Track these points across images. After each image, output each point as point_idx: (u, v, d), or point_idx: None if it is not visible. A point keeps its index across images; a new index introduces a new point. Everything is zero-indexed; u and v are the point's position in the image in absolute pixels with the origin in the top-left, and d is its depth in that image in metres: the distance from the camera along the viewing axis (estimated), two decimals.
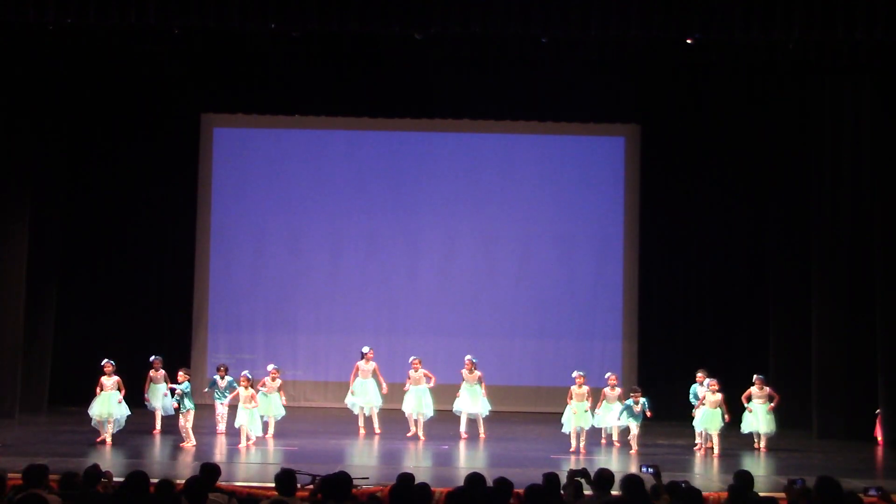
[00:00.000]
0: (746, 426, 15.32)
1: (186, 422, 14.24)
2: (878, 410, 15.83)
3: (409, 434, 15.40)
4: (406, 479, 7.51)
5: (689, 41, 14.14)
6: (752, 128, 18.48)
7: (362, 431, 15.65)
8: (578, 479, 7.52)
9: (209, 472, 7.59)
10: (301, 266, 19.40)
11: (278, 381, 15.32)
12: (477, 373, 15.50)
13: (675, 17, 13.41)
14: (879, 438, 15.70)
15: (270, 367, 15.50)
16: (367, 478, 9.71)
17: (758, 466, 13.63)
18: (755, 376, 15.47)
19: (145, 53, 16.87)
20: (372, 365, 15.86)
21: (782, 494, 7.99)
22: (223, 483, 9.97)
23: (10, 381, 16.17)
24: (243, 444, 14.11)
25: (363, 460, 13.43)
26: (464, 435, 15.28)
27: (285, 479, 7.44)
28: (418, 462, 12.80)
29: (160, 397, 15.29)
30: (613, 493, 7.49)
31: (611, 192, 19.46)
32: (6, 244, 16.36)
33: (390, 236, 19.43)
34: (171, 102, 18.89)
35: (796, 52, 14.96)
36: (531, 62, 17.08)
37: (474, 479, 7.29)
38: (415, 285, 19.40)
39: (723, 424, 14.83)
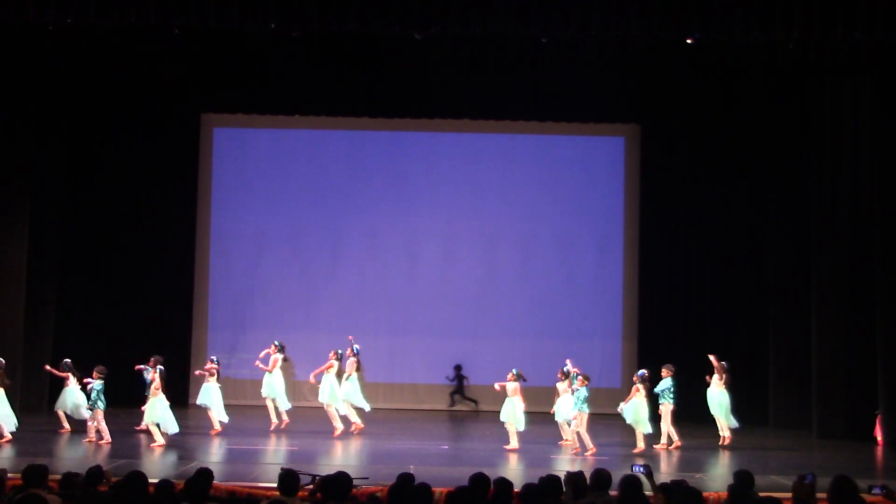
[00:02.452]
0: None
1: (95, 420, 14.14)
2: (878, 410, 15.82)
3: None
4: (406, 479, 7.50)
5: (689, 41, 14.15)
6: (751, 128, 18.48)
7: (276, 422, 15.73)
8: (576, 480, 7.52)
9: (204, 476, 7.54)
10: (301, 266, 19.42)
11: (210, 369, 15.42)
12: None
13: (675, 17, 13.42)
14: (879, 438, 15.70)
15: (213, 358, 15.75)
16: (367, 478, 9.70)
17: (757, 466, 13.58)
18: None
19: (145, 53, 16.88)
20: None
21: (784, 494, 7.97)
22: (222, 483, 10.01)
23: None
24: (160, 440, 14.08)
25: (363, 460, 13.42)
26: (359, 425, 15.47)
27: (287, 479, 7.44)
28: (418, 462, 12.79)
29: (73, 399, 15.19)
30: (612, 493, 7.48)
31: (611, 192, 19.47)
32: (6, 244, 16.37)
33: (390, 236, 19.44)
34: (171, 102, 18.92)
35: (796, 52, 14.96)
36: (531, 62, 17.09)
37: (479, 479, 7.31)
38: (415, 285, 19.41)
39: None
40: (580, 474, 7.62)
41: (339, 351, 15.80)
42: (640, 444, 14.42)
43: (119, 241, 18.77)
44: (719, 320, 18.68)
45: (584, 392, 14.14)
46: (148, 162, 18.84)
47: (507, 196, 19.47)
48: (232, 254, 19.43)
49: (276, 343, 16.11)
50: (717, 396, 15.19)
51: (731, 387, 15.45)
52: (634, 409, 14.53)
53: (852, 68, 16.06)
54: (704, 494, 7.77)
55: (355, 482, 7.79)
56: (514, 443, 14.14)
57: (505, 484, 7.36)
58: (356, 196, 19.44)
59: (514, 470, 12.41)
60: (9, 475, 7.99)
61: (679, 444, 14.75)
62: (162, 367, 14.56)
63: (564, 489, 7.50)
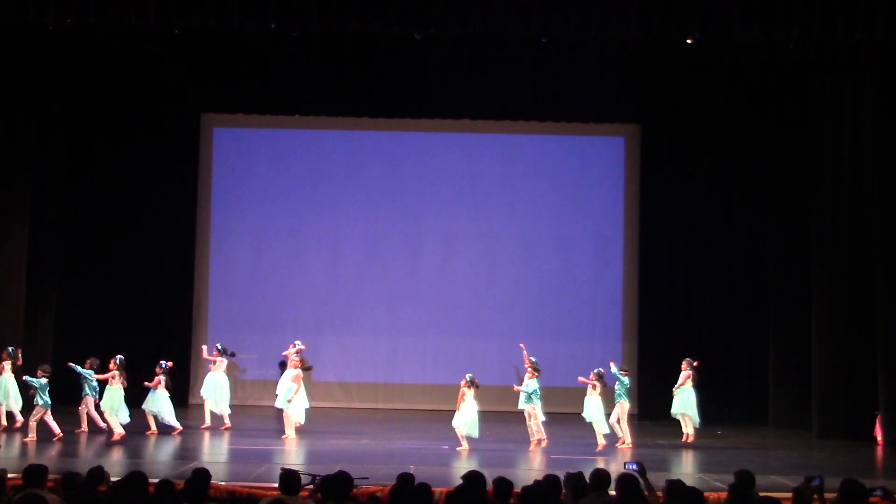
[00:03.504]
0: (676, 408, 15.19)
1: (35, 417, 14.17)
2: (878, 410, 15.81)
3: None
4: (406, 479, 7.50)
5: (689, 41, 14.14)
6: (752, 128, 18.49)
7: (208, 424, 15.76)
8: (575, 481, 7.52)
9: (201, 475, 7.53)
10: (301, 266, 19.42)
11: (157, 378, 15.26)
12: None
13: (675, 17, 13.42)
14: (879, 438, 15.70)
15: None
16: (367, 478, 9.69)
17: (757, 466, 13.58)
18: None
19: (145, 53, 16.88)
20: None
21: (784, 494, 7.98)
22: (222, 483, 10.01)
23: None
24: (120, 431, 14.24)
25: (363, 460, 13.41)
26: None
27: (288, 479, 7.45)
28: (418, 462, 12.80)
29: (4, 386, 15.16)
30: (611, 493, 7.48)
31: (611, 192, 19.47)
32: (6, 243, 16.37)
33: (390, 236, 19.44)
34: (171, 102, 18.92)
35: (796, 52, 14.96)
36: (531, 62, 17.09)
37: (473, 476, 7.31)
38: (415, 285, 19.41)
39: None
40: (580, 474, 7.62)
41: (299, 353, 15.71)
42: (602, 441, 14.31)
43: (119, 241, 18.77)
44: (719, 320, 18.69)
45: (533, 384, 14.21)
46: (148, 162, 18.83)
47: (508, 196, 19.46)
48: (232, 254, 19.43)
49: (219, 346, 16.20)
50: (686, 395, 15.07)
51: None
52: (591, 407, 14.46)
53: (852, 68, 16.06)
54: (704, 494, 7.76)
55: (355, 482, 7.78)
56: (464, 444, 14.05)
57: (504, 484, 7.36)
58: (356, 196, 19.44)
59: (512, 470, 12.40)
60: (9, 475, 7.98)
61: (629, 445, 14.59)
62: (122, 357, 14.78)
63: (564, 489, 7.50)
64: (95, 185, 18.76)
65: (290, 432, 14.90)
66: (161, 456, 13.74)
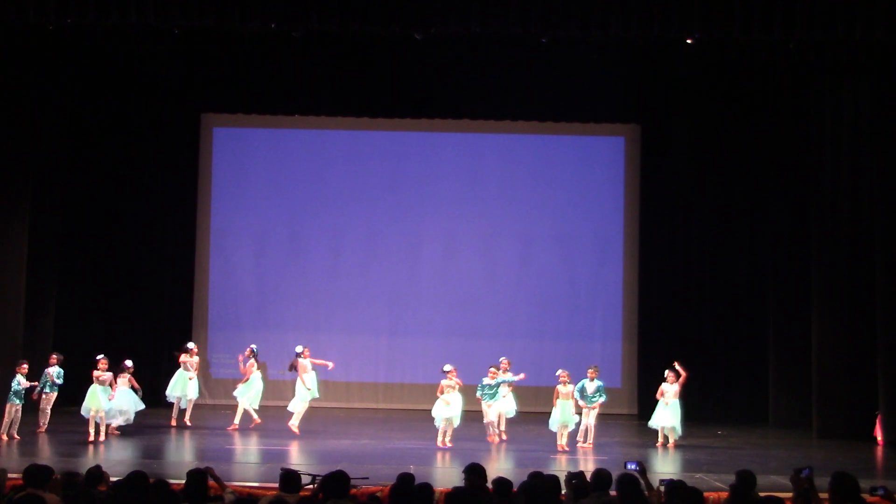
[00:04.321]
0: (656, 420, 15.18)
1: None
2: (878, 410, 15.81)
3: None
4: (406, 479, 7.50)
5: (689, 41, 14.14)
6: (751, 128, 18.48)
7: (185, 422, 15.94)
8: (575, 481, 7.53)
9: (197, 476, 7.51)
10: (301, 266, 19.42)
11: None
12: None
13: (675, 17, 13.42)
14: (879, 438, 15.70)
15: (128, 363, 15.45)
16: (367, 478, 9.70)
17: (758, 466, 13.57)
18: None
19: (145, 53, 16.87)
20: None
21: (785, 494, 7.97)
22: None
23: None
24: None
25: (363, 460, 13.41)
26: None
27: (288, 479, 7.45)
28: (418, 462, 12.81)
29: None
30: (612, 493, 7.49)
31: (611, 192, 19.46)
32: (6, 243, 16.36)
33: (390, 236, 19.43)
34: (171, 102, 18.91)
35: (796, 52, 14.97)
36: (531, 62, 17.09)
37: (474, 468, 7.37)
38: (415, 285, 19.41)
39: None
40: (580, 474, 7.63)
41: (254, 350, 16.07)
42: (586, 440, 14.34)
43: (119, 240, 18.78)
44: (719, 320, 18.68)
45: (487, 381, 14.48)
46: (148, 162, 18.84)
47: (508, 196, 19.46)
48: (232, 253, 19.43)
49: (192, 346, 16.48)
50: (674, 406, 15.02)
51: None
52: (560, 411, 14.33)
53: (852, 68, 16.06)
54: (704, 494, 7.76)
55: (354, 482, 7.78)
56: (440, 439, 14.31)
57: (504, 483, 7.37)
58: (356, 196, 19.43)
59: (512, 470, 12.40)
60: (9, 475, 7.98)
61: (590, 445, 14.55)
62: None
63: (564, 489, 7.50)
64: (95, 185, 18.75)
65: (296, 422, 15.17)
66: (157, 455, 13.72)
